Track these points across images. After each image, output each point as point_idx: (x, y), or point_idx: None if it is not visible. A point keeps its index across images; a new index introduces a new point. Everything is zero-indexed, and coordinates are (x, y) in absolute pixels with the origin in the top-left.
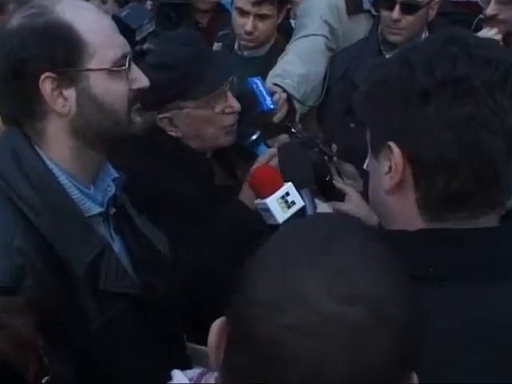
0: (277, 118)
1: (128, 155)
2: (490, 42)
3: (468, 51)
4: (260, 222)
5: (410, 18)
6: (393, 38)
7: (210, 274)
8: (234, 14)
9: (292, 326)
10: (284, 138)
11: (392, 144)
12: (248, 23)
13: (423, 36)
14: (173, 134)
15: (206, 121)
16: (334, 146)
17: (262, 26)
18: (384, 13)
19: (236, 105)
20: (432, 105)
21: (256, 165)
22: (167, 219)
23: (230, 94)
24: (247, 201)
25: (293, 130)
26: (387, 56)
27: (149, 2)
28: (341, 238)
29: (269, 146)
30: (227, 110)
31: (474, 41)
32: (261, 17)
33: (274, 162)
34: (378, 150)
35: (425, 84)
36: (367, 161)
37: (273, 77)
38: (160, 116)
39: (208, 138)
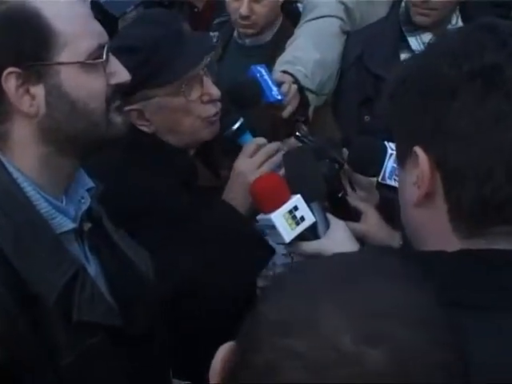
0: (286, 113)
1: (100, 158)
2: None
3: (499, 39)
4: (250, 227)
5: None
6: (420, 20)
7: (196, 286)
8: (228, 0)
9: (299, 355)
10: (294, 142)
11: (417, 149)
12: (243, 7)
13: (454, 21)
14: (145, 129)
15: (181, 111)
16: (345, 151)
17: (259, 8)
18: None
19: (215, 92)
20: (459, 101)
21: (239, 160)
22: (147, 232)
23: (207, 79)
24: (234, 202)
25: (297, 133)
26: (409, 38)
27: None
28: (374, 272)
29: (255, 136)
30: (205, 99)
31: (509, 29)
32: None
33: (270, 166)
34: (404, 157)
35: (450, 78)
36: (382, 173)
37: (281, 64)
38: (128, 108)
39: (185, 131)
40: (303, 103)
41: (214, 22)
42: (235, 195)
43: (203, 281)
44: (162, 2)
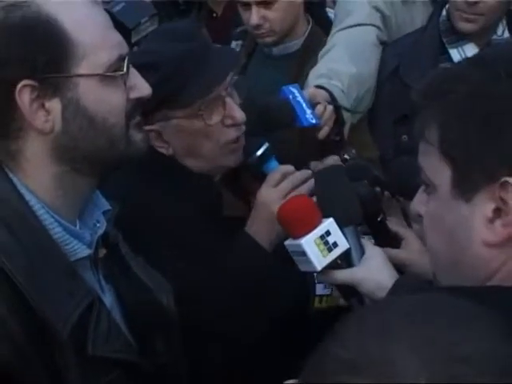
0: (322, 134)
1: (116, 178)
2: None
3: None
4: (275, 264)
5: (490, 1)
6: (465, 27)
7: (217, 324)
8: (240, 10)
9: None
10: (333, 160)
11: (510, 180)
12: (252, 15)
13: (500, 31)
14: (163, 151)
15: (200, 135)
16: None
17: (271, 13)
18: None
19: (239, 115)
20: None
21: (263, 189)
22: (165, 262)
23: (230, 101)
24: (258, 236)
25: (346, 155)
26: (450, 50)
27: None
28: (452, 314)
29: (280, 162)
30: (227, 122)
31: None
32: (263, 3)
33: (304, 189)
34: (471, 189)
35: None
36: (416, 201)
37: (316, 77)
38: (146, 128)
39: (205, 156)
40: (338, 121)
41: (238, 29)
42: (258, 228)
43: (223, 320)
44: (179, 7)
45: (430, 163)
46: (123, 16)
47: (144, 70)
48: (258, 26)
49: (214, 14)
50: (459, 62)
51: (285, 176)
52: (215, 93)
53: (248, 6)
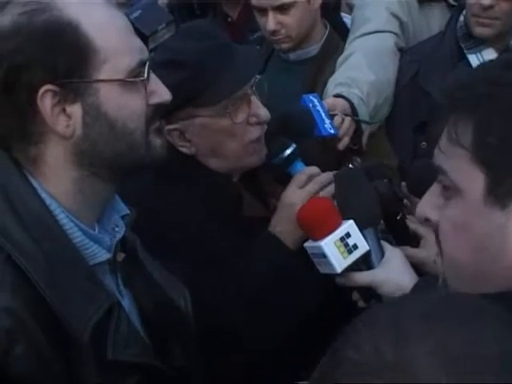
0: (342, 145)
1: (135, 181)
2: None
3: None
4: (301, 263)
5: (505, 5)
6: (480, 31)
7: (237, 325)
8: (256, 16)
9: None
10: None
11: None
12: (268, 21)
13: None
14: (185, 150)
15: (226, 134)
16: (403, 184)
17: (288, 19)
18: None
19: (263, 113)
20: None
21: (289, 190)
22: (185, 265)
23: (255, 100)
24: (282, 236)
25: (351, 165)
26: (469, 56)
27: None
28: (471, 315)
29: (307, 164)
30: (252, 120)
31: None
32: (280, 8)
33: (329, 191)
34: (508, 194)
35: None
36: (425, 204)
37: (335, 86)
38: (169, 127)
39: (228, 155)
40: (356, 131)
41: (255, 35)
42: (283, 228)
43: (244, 320)
44: (194, 12)
45: (457, 166)
46: (140, 23)
47: (169, 67)
48: (274, 32)
49: (229, 19)
50: (480, 65)
51: (311, 178)
52: (242, 91)
53: (264, 11)
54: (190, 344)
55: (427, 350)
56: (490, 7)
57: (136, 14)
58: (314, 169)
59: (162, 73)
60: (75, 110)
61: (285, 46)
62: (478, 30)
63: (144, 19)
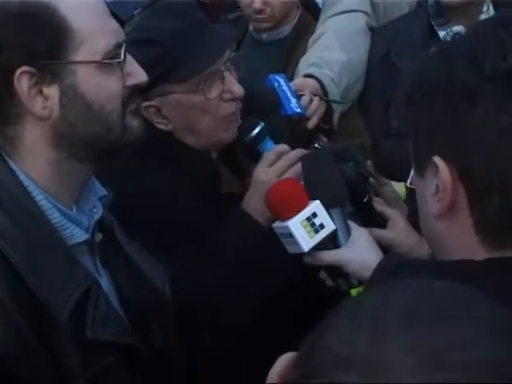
0: (311, 125)
1: (111, 161)
2: None
3: None
4: (272, 240)
5: None
6: None
7: (213, 302)
8: None
9: None
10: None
11: (437, 159)
12: (256, 0)
13: (485, 8)
14: (162, 127)
15: (199, 109)
16: (369, 163)
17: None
18: None
19: (237, 89)
20: (480, 107)
21: (258, 168)
22: (161, 243)
23: (228, 75)
24: (253, 213)
25: (316, 145)
26: (439, 32)
27: None
28: (460, 313)
29: (277, 142)
30: (226, 97)
31: None
32: None
33: (292, 175)
34: (422, 166)
35: (469, 82)
36: (411, 176)
37: (307, 66)
38: (145, 104)
39: (203, 131)
40: (327, 110)
41: (229, 16)
42: (255, 206)
43: (220, 295)
44: None
45: None
46: (117, 8)
47: (141, 45)
48: (260, 11)
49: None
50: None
51: (280, 155)
52: (214, 67)
53: None
54: (169, 326)
55: (402, 347)
56: None
57: None
58: (283, 146)
59: (136, 51)
60: (52, 91)
61: (265, 25)
62: None
63: (120, 4)
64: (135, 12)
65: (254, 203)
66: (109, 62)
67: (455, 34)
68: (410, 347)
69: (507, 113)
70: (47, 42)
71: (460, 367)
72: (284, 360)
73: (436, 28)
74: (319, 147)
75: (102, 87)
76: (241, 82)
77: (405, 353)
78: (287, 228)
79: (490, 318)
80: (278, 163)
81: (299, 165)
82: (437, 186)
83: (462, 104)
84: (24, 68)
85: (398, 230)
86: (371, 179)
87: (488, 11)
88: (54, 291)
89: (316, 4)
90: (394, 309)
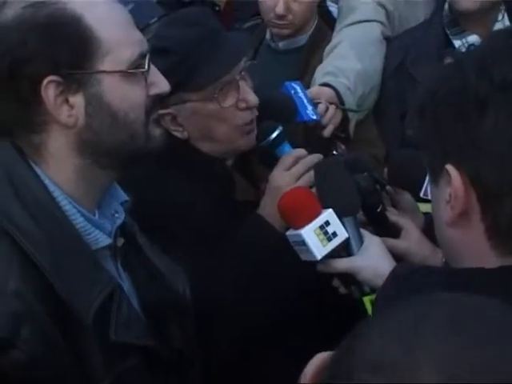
0: (327, 133)
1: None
2: None
3: None
4: (288, 248)
5: None
6: (465, 4)
7: (232, 294)
8: None
9: None
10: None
11: (450, 167)
12: (279, 5)
13: (500, 16)
14: (178, 134)
15: (215, 118)
16: (385, 171)
17: (297, 6)
18: None
19: (252, 98)
20: (490, 116)
21: (276, 171)
22: (181, 248)
23: (243, 85)
24: (270, 218)
25: (334, 152)
26: (454, 41)
27: None
28: (490, 330)
29: (294, 146)
30: (241, 105)
31: None
32: None
33: (304, 179)
34: (436, 175)
35: (480, 90)
36: (424, 186)
37: (323, 75)
38: (161, 112)
39: (219, 139)
40: (343, 118)
41: (244, 25)
42: (271, 211)
43: (232, 299)
44: (183, 2)
45: None
46: (133, 17)
47: (158, 54)
48: (282, 17)
49: (217, 8)
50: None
51: (297, 160)
52: (229, 76)
53: None
54: (188, 328)
55: (438, 362)
56: None
57: (128, 8)
58: (300, 151)
59: (154, 60)
60: (78, 100)
61: (285, 31)
62: (464, 4)
63: (136, 13)
64: (151, 21)
65: (269, 208)
66: (133, 71)
67: (470, 45)
68: (442, 360)
69: None
70: (73, 52)
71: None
72: (317, 360)
73: (451, 37)
74: (337, 154)
75: (126, 96)
76: (257, 89)
77: (434, 366)
78: (300, 236)
79: None
80: (295, 167)
81: (307, 176)
82: (450, 194)
83: (473, 113)
84: (51, 77)
85: (412, 239)
86: (388, 187)
87: (503, 20)
88: (79, 294)
89: (331, 13)
90: (430, 321)
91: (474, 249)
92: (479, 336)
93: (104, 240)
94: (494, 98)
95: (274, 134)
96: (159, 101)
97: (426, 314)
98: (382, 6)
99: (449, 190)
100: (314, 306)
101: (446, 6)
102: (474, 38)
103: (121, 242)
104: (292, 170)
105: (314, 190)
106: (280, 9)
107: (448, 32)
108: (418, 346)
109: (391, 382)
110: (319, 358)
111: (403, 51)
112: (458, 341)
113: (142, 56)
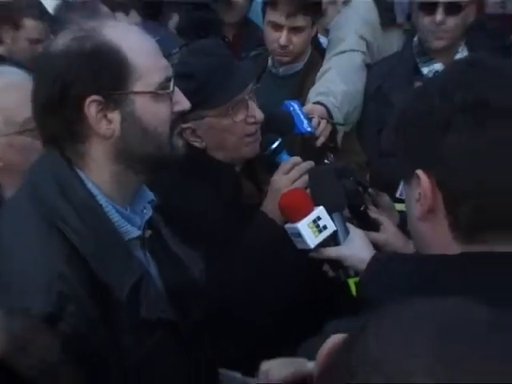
0: (319, 143)
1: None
2: (508, 61)
3: (487, 74)
4: (286, 239)
5: (452, 20)
6: (436, 44)
7: (240, 296)
8: (267, 29)
9: None
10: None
11: (419, 172)
12: (282, 37)
13: (461, 49)
14: (197, 144)
15: (227, 130)
16: (368, 176)
17: (297, 39)
18: (426, 19)
19: (258, 115)
20: (454, 133)
21: (276, 175)
22: (198, 242)
23: (251, 103)
24: (271, 215)
25: (326, 161)
26: (422, 69)
27: (175, 17)
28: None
29: (291, 155)
30: (249, 120)
31: (495, 64)
32: (295, 29)
33: (299, 181)
34: (408, 177)
35: (444, 112)
36: (400, 189)
37: (316, 95)
38: (183, 126)
39: (230, 148)
40: (332, 131)
41: (251, 54)
42: (272, 208)
43: (243, 301)
44: (199, 34)
45: None
46: (159, 46)
47: (181, 78)
48: (284, 47)
49: (226, 39)
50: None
51: (294, 166)
52: (240, 96)
53: (280, 28)
54: (203, 305)
55: (426, 365)
56: (442, 22)
57: (156, 39)
58: (297, 158)
59: (177, 82)
60: (115, 116)
61: (286, 59)
62: (434, 44)
63: (162, 44)
64: (174, 50)
65: (271, 206)
66: (161, 92)
67: (436, 71)
68: (434, 368)
69: (477, 137)
70: (112, 76)
71: None
72: (331, 342)
73: (420, 65)
74: (328, 163)
75: (155, 113)
76: (261, 107)
77: (430, 372)
78: (296, 229)
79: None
80: (292, 172)
81: (302, 179)
82: (419, 194)
83: (437, 132)
84: (93, 97)
85: (389, 233)
86: (370, 189)
87: (462, 52)
88: (115, 277)
89: (321, 44)
90: (427, 326)
91: (440, 239)
92: (465, 345)
93: (134, 232)
94: (456, 119)
95: (275, 145)
96: (181, 117)
97: (418, 325)
98: (364, 39)
99: (419, 190)
100: (309, 293)
101: (416, 38)
102: (439, 66)
103: (148, 233)
104: (289, 175)
105: (308, 190)
106: (283, 40)
107: (417, 60)
108: (411, 353)
109: (388, 381)
110: (333, 340)
111: (381, 77)
112: (446, 351)
113: (168, 79)
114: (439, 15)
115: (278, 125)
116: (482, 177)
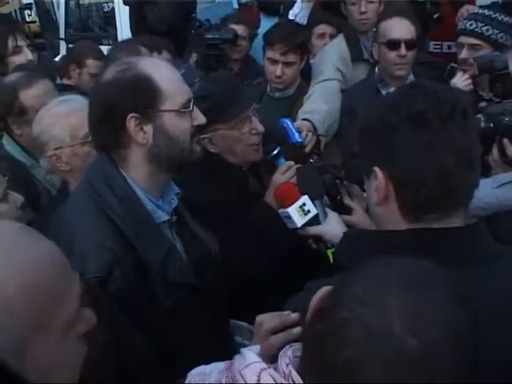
0: (307, 149)
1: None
2: (441, 85)
3: (423, 93)
4: (280, 220)
5: (411, 53)
6: (400, 73)
7: (247, 267)
8: (266, 64)
9: (364, 322)
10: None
11: (376, 168)
12: (277, 70)
13: (410, 78)
14: (212, 150)
15: (236, 139)
16: (343, 173)
17: (289, 71)
18: (391, 54)
19: (260, 127)
20: (400, 137)
21: (275, 175)
22: (213, 223)
23: (254, 118)
24: (272, 203)
25: (311, 160)
26: (383, 92)
27: (194, 54)
28: (431, 282)
29: (287, 159)
30: (253, 131)
31: (430, 85)
32: (287, 64)
33: (292, 178)
34: (368, 172)
35: (393, 121)
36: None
37: (303, 113)
38: (202, 136)
39: (238, 153)
40: (317, 141)
41: (254, 82)
42: (271, 199)
43: (247, 259)
44: (211, 67)
45: None
46: (184, 77)
47: (200, 99)
48: (279, 77)
49: (233, 71)
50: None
51: (289, 167)
52: (245, 113)
53: (276, 63)
54: (217, 272)
55: (398, 301)
56: (404, 56)
57: (182, 71)
58: (291, 162)
59: (197, 103)
60: (149, 128)
61: (279, 87)
62: (398, 73)
63: (186, 75)
64: (195, 80)
65: (270, 197)
66: (183, 110)
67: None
68: (402, 301)
69: (416, 140)
70: (146, 98)
71: (429, 320)
72: (322, 291)
73: (380, 89)
74: (312, 162)
75: (179, 126)
76: (261, 122)
77: (399, 304)
78: (287, 213)
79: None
80: (287, 172)
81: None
82: (376, 185)
83: (387, 135)
84: (132, 114)
85: (359, 215)
86: (344, 182)
87: (410, 77)
88: (149, 251)
89: (309, 73)
90: (394, 276)
91: (392, 219)
92: (417, 288)
93: (164, 217)
94: (402, 126)
95: (275, 152)
96: (199, 129)
97: (387, 272)
98: (339, 70)
99: (375, 182)
100: (297, 259)
101: (377, 69)
102: (392, 90)
103: (175, 218)
104: (285, 174)
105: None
106: (278, 72)
107: (378, 86)
108: (387, 295)
109: (370, 314)
110: (325, 289)
111: (350, 99)
112: (410, 294)
113: (189, 100)
114: (403, 50)
115: (276, 137)
116: (417, 170)
